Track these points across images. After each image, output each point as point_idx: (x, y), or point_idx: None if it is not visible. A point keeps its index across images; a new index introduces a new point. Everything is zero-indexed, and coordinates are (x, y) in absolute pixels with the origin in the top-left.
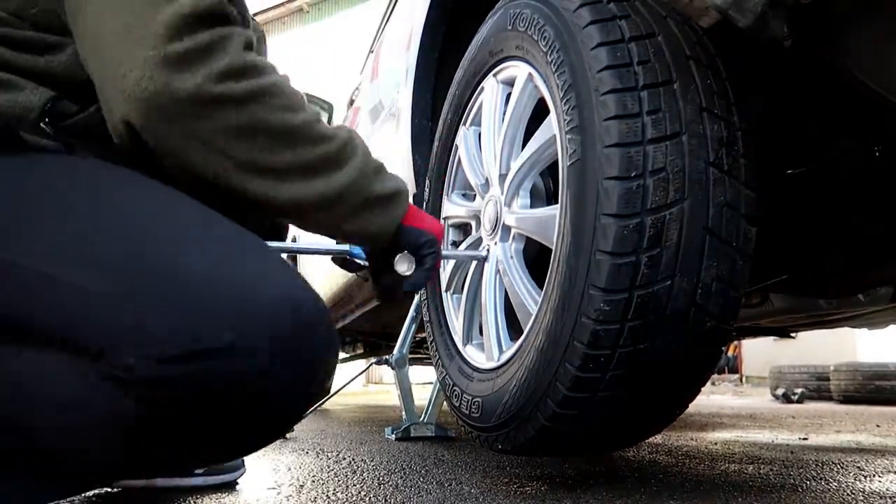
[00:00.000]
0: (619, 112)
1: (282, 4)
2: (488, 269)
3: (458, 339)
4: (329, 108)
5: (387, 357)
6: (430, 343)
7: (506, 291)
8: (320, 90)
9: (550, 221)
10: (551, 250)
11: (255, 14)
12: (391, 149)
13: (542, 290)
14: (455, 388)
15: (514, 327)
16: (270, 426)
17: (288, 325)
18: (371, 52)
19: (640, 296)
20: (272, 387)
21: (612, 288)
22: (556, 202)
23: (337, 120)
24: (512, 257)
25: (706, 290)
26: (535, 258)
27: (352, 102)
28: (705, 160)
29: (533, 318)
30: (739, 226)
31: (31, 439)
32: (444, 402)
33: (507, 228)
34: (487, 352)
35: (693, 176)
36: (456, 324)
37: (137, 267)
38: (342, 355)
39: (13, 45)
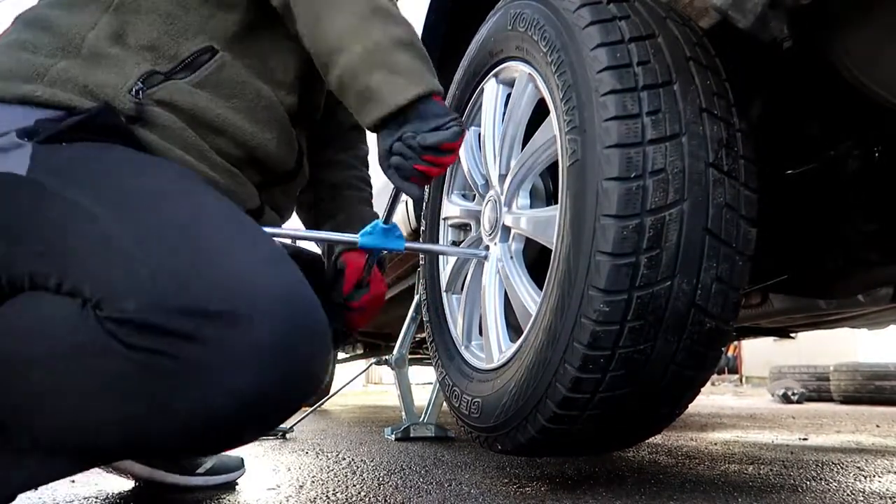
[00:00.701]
0: (619, 113)
1: None
2: (488, 269)
3: (457, 339)
4: None
5: (387, 357)
6: (430, 343)
7: (505, 292)
8: None
9: (550, 222)
10: (551, 251)
11: None
12: None
13: (541, 290)
14: (455, 388)
15: (513, 328)
16: (253, 411)
17: (280, 313)
18: None
19: (639, 297)
20: (257, 369)
21: (611, 289)
22: (556, 202)
23: None
24: (512, 258)
25: (706, 290)
26: (535, 258)
27: None
28: (705, 161)
29: (532, 318)
30: (739, 226)
31: (17, 389)
32: (444, 403)
33: (506, 229)
34: (487, 352)
35: (693, 177)
36: (456, 324)
37: (163, 232)
38: (342, 355)
39: None
